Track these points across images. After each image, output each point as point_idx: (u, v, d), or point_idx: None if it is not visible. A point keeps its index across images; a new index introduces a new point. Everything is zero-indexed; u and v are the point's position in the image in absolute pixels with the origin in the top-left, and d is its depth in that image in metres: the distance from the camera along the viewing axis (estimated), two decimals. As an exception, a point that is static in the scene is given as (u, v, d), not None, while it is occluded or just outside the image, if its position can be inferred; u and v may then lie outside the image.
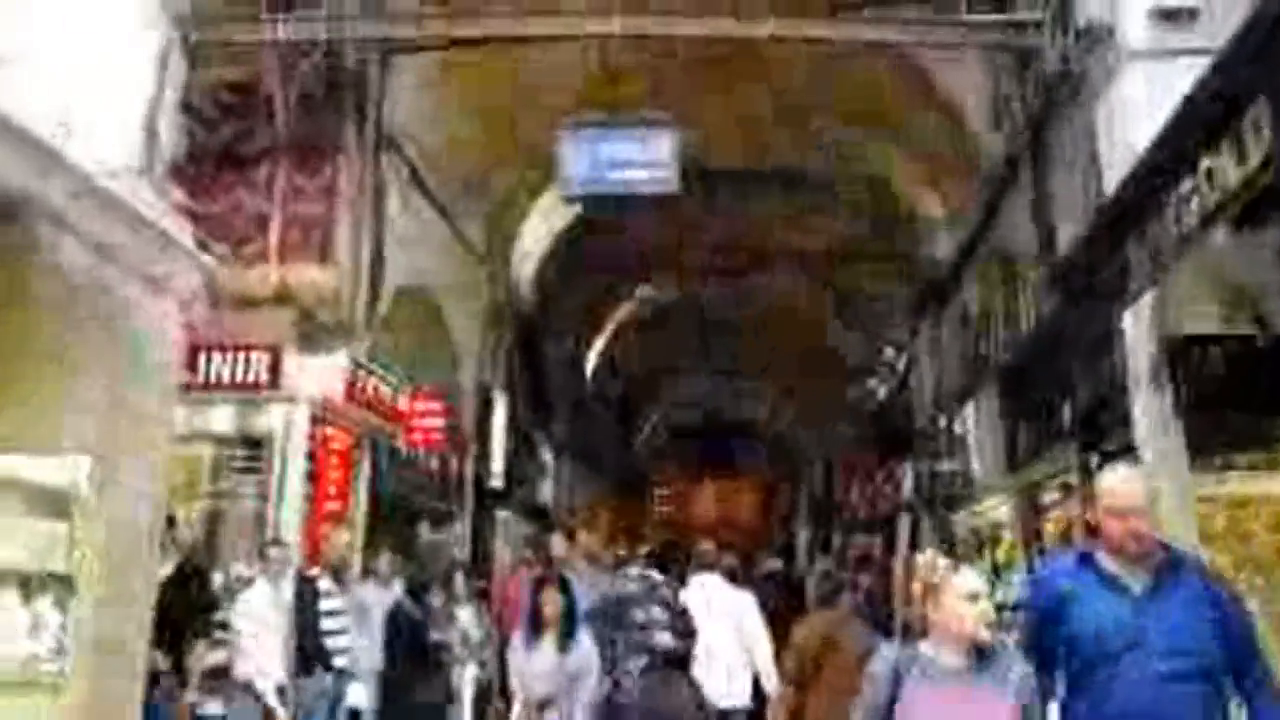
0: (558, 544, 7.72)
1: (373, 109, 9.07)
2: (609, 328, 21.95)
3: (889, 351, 17.51)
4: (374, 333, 9.22)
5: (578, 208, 15.80)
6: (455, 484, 11.60)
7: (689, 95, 13.91)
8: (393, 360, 9.79)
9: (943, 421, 12.88)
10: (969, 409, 11.73)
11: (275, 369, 7.35)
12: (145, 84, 4.92)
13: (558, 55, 11.75)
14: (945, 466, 13.49)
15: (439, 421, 8.77)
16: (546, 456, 16.38)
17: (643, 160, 6.43)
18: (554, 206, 15.24)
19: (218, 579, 6.86)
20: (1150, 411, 5.02)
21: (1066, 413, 8.73)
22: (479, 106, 11.65)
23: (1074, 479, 8.65)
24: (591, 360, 22.45)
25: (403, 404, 8.61)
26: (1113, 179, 5.22)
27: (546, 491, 16.23)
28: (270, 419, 7.41)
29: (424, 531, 10.24)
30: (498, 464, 12.60)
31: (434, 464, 10.57)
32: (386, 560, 6.93)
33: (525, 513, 14.91)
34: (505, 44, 10.93)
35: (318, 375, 7.41)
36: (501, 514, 13.64)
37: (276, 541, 6.34)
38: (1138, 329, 4.82)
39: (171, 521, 5.58)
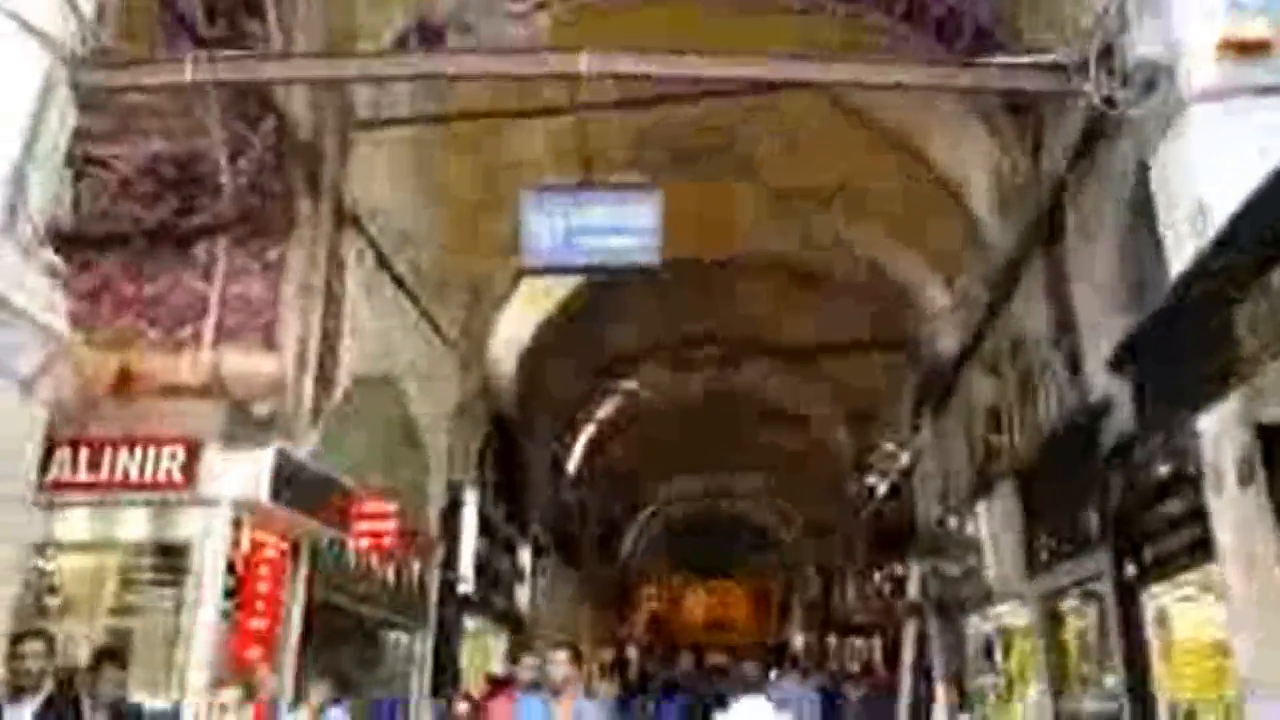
0: (527, 667, 6.68)
1: (329, 182, 8.30)
2: (593, 425, 21.02)
3: (889, 447, 16.58)
4: (323, 426, 8.28)
5: (559, 296, 15.12)
6: (417, 592, 10.49)
7: (675, 183, 13.33)
8: (348, 456, 8.82)
9: (953, 521, 11.90)
10: (981, 508, 10.77)
11: (191, 466, 6.38)
12: (16, 129, 4.12)
13: (534, 139, 11.19)
14: (955, 568, 12.43)
15: (390, 524, 7.77)
16: (524, 560, 15.25)
17: (621, 227, 5.63)
18: (534, 297, 14.49)
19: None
20: (1237, 512, 4.11)
21: (1094, 516, 7.80)
22: (452, 187, 10.98)
23: (1104, 587, 7.68)
24: (575, 458, 21.43)
25: (351, 505, 7.62)
26: (1178, 241, 4.41)
27: (523, 597, 15.03)
28: (188, 523, 6.42)
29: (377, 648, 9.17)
30: (466, 567, 11.51)
31: (389, 572, 9.50)
32: (321, 692, 5.89)
33: (499, 620, 13.72)
34: (480, 122, 10.45)
35: (242, 474, 6.44)
36: (472, 624, 12.47)
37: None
38: (1222, 417, 3.95)
39: (49, 642, 4.56)
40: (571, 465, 21.24)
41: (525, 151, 11.24)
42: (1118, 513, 7.23)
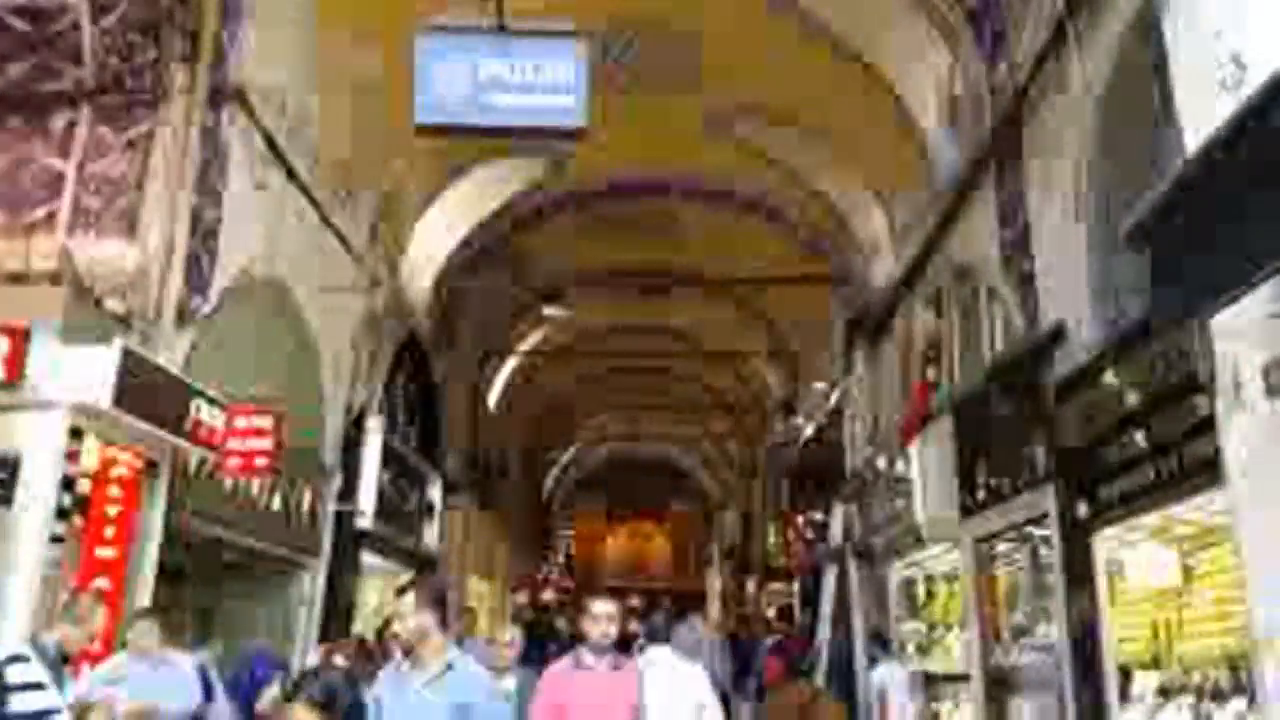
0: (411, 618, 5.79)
1: (209, 49, 7.22)
2: (518, 356, 20.13)
3: (818, 386, 16.06)
4: (195, 333, 7.31)
5: (482, 213, 14.14)
6: (308, 525, 9.61)
7: (608, 97, 12.41)
8: (228, 370, 7.86)
9: (881, 462, 11.40)
10: (914, 447, 10.27)
11: (16, 361, 5.38)
12: None
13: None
14: (882, 512, 11.99)
15: (266, 442, 6.85)
16: (435, 495, 14.43)
17: (538, 84, 4.73)
18: (457, 208, 13.50)
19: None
20: (1259, 429, 3.49)
21: (1041, 453, 7.28)
22: (359, 79, 9.88)
23: (1048, 529, 7.18)
24: (497, 391, 20.57)
25: (218, 419, 6.68)
26: (1199, 104, 3.72)
27: (432, 536, 14.23)
28: (13, 430, 5.44)
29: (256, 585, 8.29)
30: (367, 500, 10.64)
31: (275, 501, 8.60)
32: (146, 629, 4.99)
33: (405, 559, 12.91)
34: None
35: (82, 374, 5.48)
36: (373, 561, 11.65)
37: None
38: (1250, 314, 3.30)
39: None
40: (493, 398, 20.38)
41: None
42: (1069, 449, 6.71)
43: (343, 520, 10.43)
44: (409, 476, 12.94)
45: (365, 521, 10.56)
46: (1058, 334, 6.91)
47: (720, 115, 12.43)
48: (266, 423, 6.78)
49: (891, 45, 10.04)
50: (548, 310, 14.74)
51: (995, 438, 8.24)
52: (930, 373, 10.08)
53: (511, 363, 20.24)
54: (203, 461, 6.91)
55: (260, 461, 6.73)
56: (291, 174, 9.00)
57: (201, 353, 7.49)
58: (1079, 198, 6.62)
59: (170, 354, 6.80)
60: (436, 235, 13.42)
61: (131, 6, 6.91)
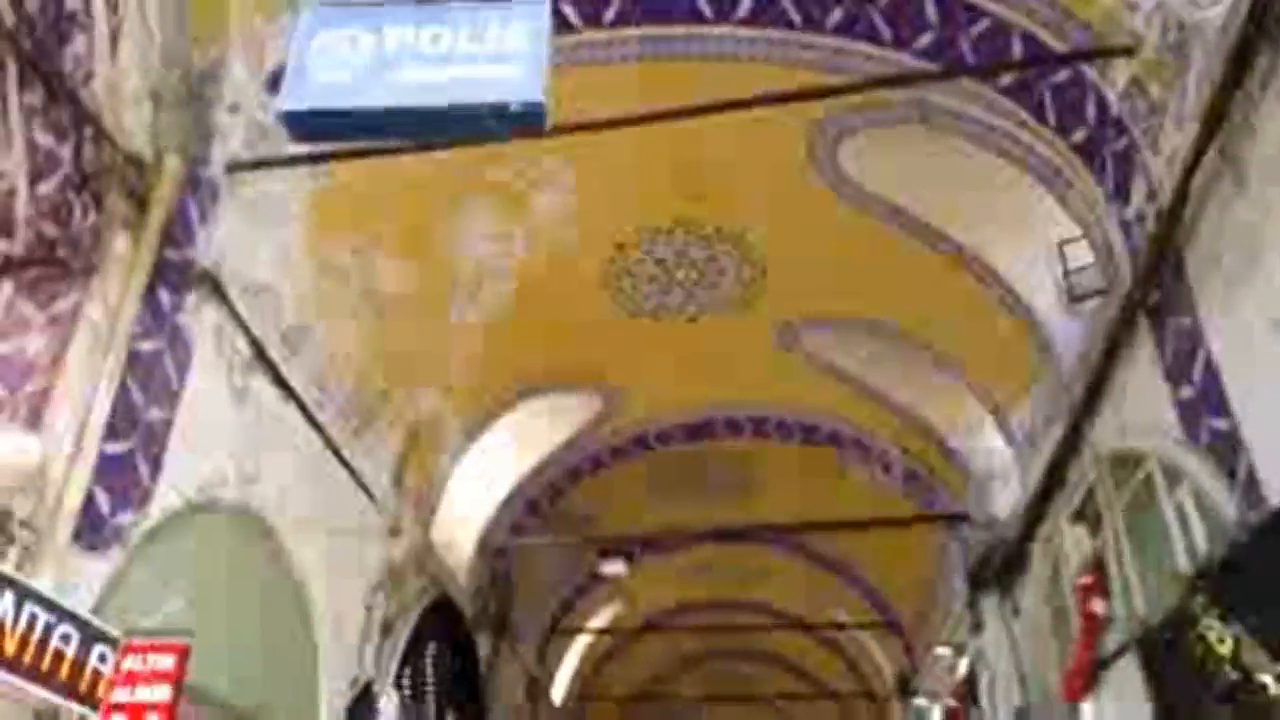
0: None
1: (163, 215, 6.03)
2: (586, 637, 17.71)
3: (941, 653, 13.27)
4: (119, 552, 5.59)
5: (533, 455, 12.53)
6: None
7: (665, 324, 11.17)
8: (178, 612, 6.03)
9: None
10: (1087, 706, 7.66)
11: None
12: None
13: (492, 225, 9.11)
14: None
15: (165, 691, 4.77)
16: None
17: (474, 52, 3.15)
18: (503, 450, 11.95)
19: None
20: None
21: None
22: (387, 284, 8.73)
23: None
24: (562, 678, 17.94)
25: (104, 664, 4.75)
26: None
27: None
28: None
29: None
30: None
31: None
32: None
33: None
34: (429, 203, 8.42)
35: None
36: None
37: None
38: None
39: None
40: (558, 690, 17.73)
41: (481, 249, 9.19)
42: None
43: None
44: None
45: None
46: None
47: (791, 329, 10.95)
48: (168, 663, 4.84)
49: (984, 216, 8.60)
50: (605, 568, 12.75)
51: (1214, 677, 5.76)
52: (1096, 605, 7.66)
53: (581, 642, 17.79)
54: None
55: (152, 718, 4.72)
56: (286, 389, 7.61)
57: (133, 584, 5.74)
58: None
59: (64, 577, 5.05)
60: (479, 482, 11.78)
61: (74, 169, 5.85)
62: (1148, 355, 6.60)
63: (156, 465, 6.03)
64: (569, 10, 7.77)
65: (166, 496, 6.10)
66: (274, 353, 7.32)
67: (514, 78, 3.11)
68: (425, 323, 9.21)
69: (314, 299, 7.89)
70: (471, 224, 8.95)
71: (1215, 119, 5.17)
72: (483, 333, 9.83)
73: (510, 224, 9.19)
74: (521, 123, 3.12)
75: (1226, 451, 5.57)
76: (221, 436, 6.81)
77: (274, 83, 7.01)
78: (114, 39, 5.98)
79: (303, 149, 7.06)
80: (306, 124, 3.27)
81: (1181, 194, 5.67)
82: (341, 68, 3.15)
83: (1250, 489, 5.30)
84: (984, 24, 7.22)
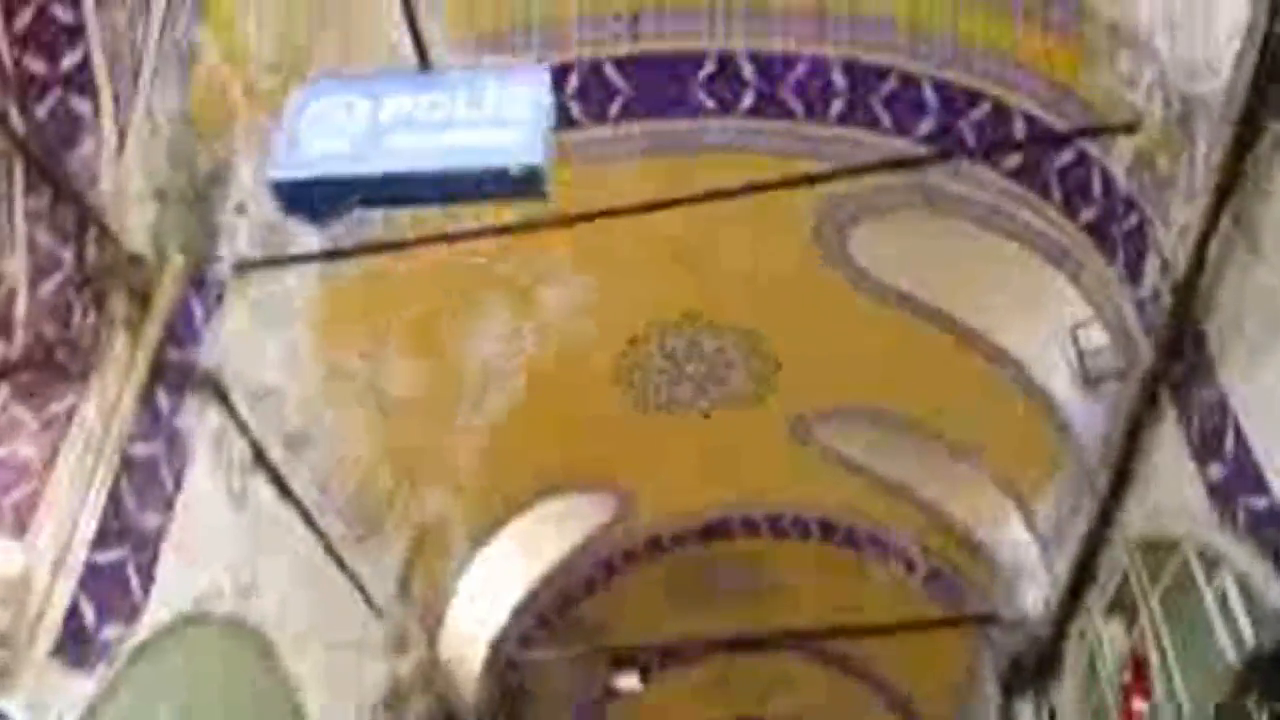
0: None
1: (163, 316, 5.95)
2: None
3: (976, 764, 12.60)
4: (106, 669, 5.31)
5: (544, 562, 12.18)
6: None
7: (676, 419, 11.00)
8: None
9: None
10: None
11: None
12: None
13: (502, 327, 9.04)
14: None
15: None
16: None
17: (473, 119, 3.05)
18: (514, 557, 11.61)
19: None
20: None
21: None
22: (392, 386, 8.61)
23: None
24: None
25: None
26: None
27: None
28: None
29: None
30: None
31: None
32: None
33: None
34: (436, 305, 8.37)
35: None
36: None
37: None
38: None
39: None
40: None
41: (490, 346, 9.09)
42: None
43: None
44: None
45: None
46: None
47: (804, 422, 10.75)
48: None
49: (996, 300, 8.50)
50: (618, 682, 12.21)
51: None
52: (1137, 703, 7.23)
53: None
54: None
55: None
56: (287, 493, 7.41)
57: (120, 705, 5.43)
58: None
59: (41, 696, 4.76)
60: (488, 591, 11.41)
61: (77, 267, 5.79)
62: (1173, 435, 6.38)
63: (148, 576, 5.77)
64: (573, 106, 7.84)
65: (158, 610, 5.82)
66: (275, 455, 7.14)
67: (513, 142, 3.02)
68: (433, 423, 9.05)
69: (319, 400, 7.76)
70: (480, 321, 8.87)
71: (1226, 187, 5.10)
72: (491, 433, 9.65)
73: (520, 320, 9.11)
74: (521, 188, 3.02)
75: (1268, 531, 5.30)
76: (218, 545, 6.57)
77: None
78: (121, 139, 6.01)
79: (310, 247, 7.17)
80: (298, 195, 3.16)
81: (1197, 265, 5.55)
82: (336, 136, 3.07)
83: (1299, 571, 5.01)
84: (984, 108, 7.26)
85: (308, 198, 3.16)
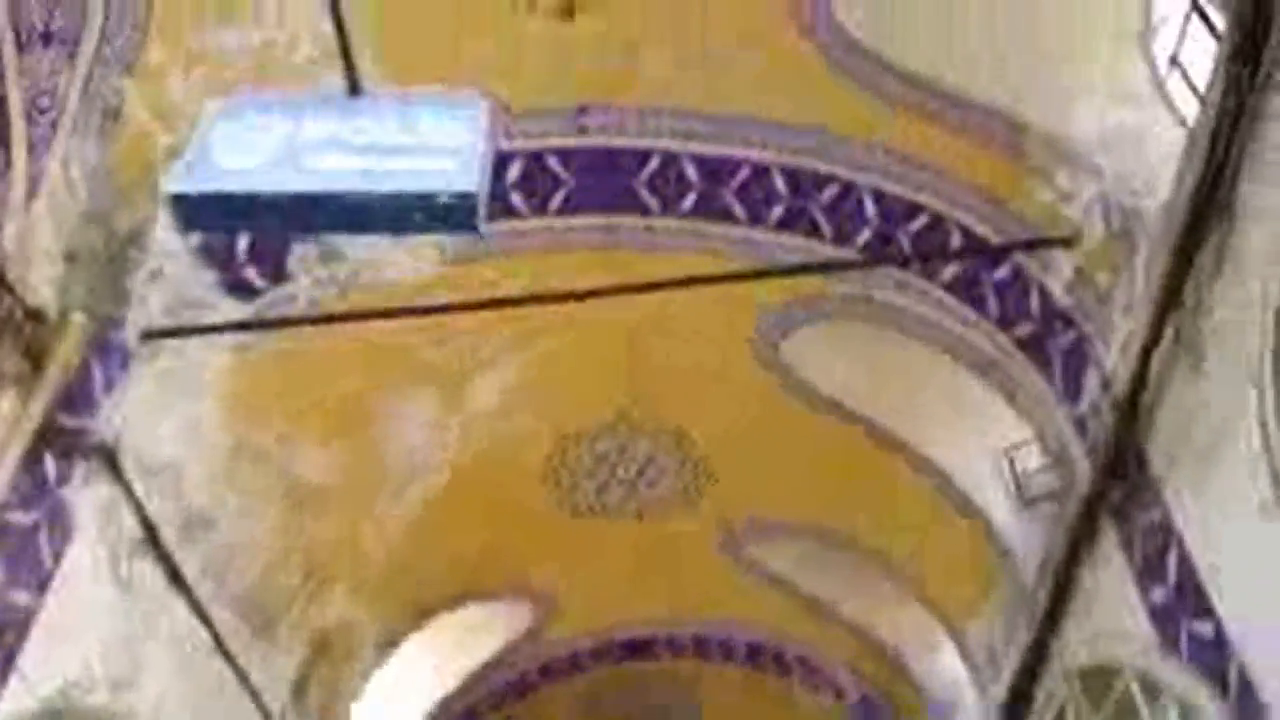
0: None
1: (58, 372, 5.53)
2: None
3: None
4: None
5: (459, 669, 11.48)
6: None
7: (605, 525, 10.63)
8: None
9: None
10: None
11: None
12: None
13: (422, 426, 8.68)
14: None
15: None
16: None
17: (405, 145, 2.77)
18: (425, 664, 10.92)
19: None
20: None
21: None
22: (300, 477, 8.15)
23: None
24: None
25: None
26: None
27: None
28: None
29: None
30: None
31: None
32: None
33: None
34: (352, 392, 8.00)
35: None
36: None
37: None
38: None
39: None
40: None
41: (414, 435, 8.69)
42: None
43: None
44: None
45: None
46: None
47: (734, 533, 10.46)
48: None
49: (931, 414, 8.44)
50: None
51: None
52: None
53: None
54: None
55: None
56: (177, 578, 6.85)
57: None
58: (1277, 477, 4.42)
59: None
60: (393, 701, 10.67)
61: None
62: (1114, 557, 6.24)
63: (9, 659, 5.20)
64: (515, 197, 7.74)
65: (20, 697, 5.23)
66: (168, 536, 6.62)
67: (445, 169, 2.79)
68: (346, 514, 8.55)
69: (223, 480, 7.27)
70: (406, 409, 8.51)
71: (1168, 300, 5.09)
72: (408, 528, 9.16)
73: (447, 411, 8.77)
74: (452, 219, 2.75)
75: (1213, 657, 5.11)
76: (95, 630, 6.01)
77: (204, 251, 6.78)
78: (32, 189, 5.71)
79: (223, 317, 6.81)
80: (199, 211, 2.80)
81: (1139, 381, 5.51)
82: (249, 153, 2.78)
83: (1245, 698, 4.79)
84: (922, 219, 7.31)
85: (211, 215, 2.84)
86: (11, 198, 5.62)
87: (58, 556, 5.65)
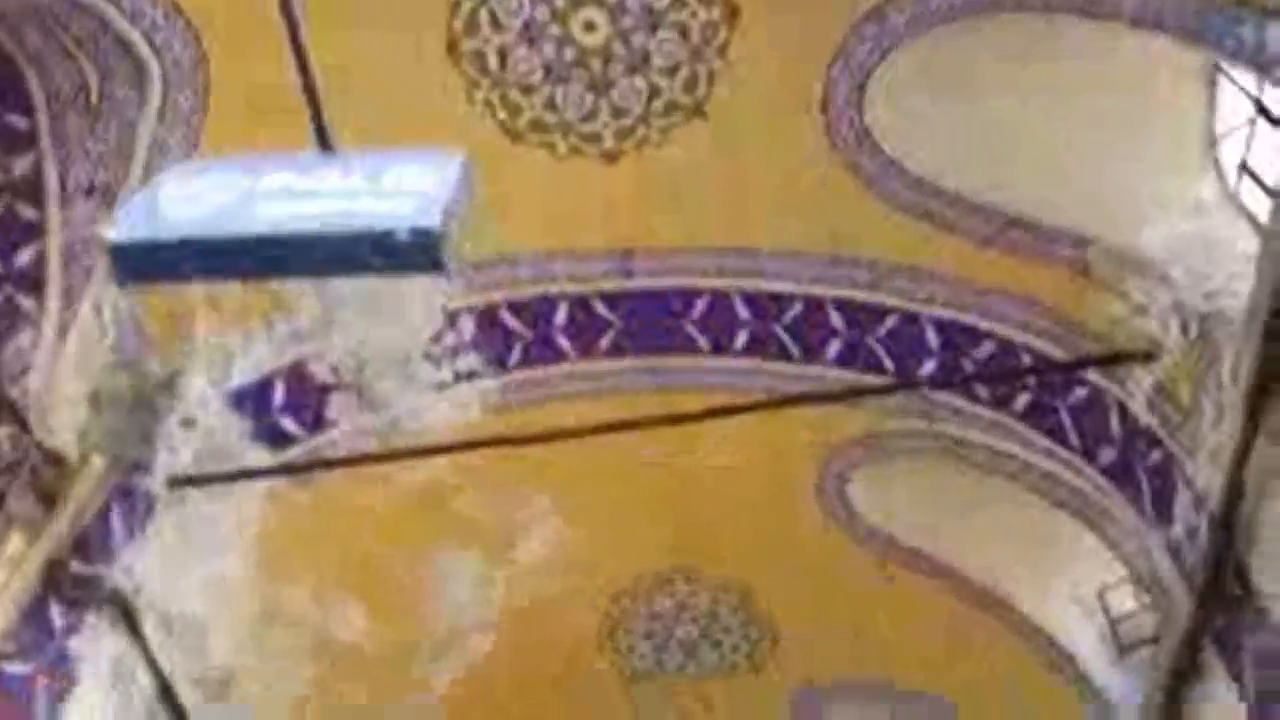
0: None
1: (66, 520, 5.32)
2: None
3: None
4: None
5: None
6: None
7: (664, 690, 9.83)
8: None
9: None
10: None
11: None
12: None
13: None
14: None
15: None
16: None
17: (368, 189, 2.50)
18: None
19: None
20: None
21: None
22: (342, 631, 7.71)
23: None
24: None
25: None
26: None
27: None
28: None
29: None
30: None
31: None
32: None
33: None
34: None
35: None
36: None
37: None
38: None
39: None
40: None
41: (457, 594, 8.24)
42: None
43: None
44: None
45: None
46: None
47: (809, 698, 9.55)
48: None
49: (1011, 555, 7.72)
50: None
51: None
52: None
53: None
54: None
55: None
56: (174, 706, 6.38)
57: None
58: None
59: None
60: None
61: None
62: (1223, 692, 5.41)
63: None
64: (562, 340, 7.57)
65: None
66: (185, 697, 6.20)
67: (405, 210, 2.51)
68: (381, 680, 8.01)
69: (248, 640, 6.88)
70: (447, 564, 8.10)
71: (1258, 402, 4.53)
72: (449, 697, 8.55)
73: (492, 567, 8.32)
74: (411, 259, 2.44)
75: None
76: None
77: (238, 399, 6.67)
78: (62, 334, 5.69)
79: (255, 464, 6.61)
80: (141, 261, 2.53)
81: (1234, 492, 4.87)
82: (199, 205, 2.55)
83: None
84: (988, 346, 6.87)
85: (152, 264, 2.58)
86: (43, 342, 5.60)
87: (53, 713, 5.28)
